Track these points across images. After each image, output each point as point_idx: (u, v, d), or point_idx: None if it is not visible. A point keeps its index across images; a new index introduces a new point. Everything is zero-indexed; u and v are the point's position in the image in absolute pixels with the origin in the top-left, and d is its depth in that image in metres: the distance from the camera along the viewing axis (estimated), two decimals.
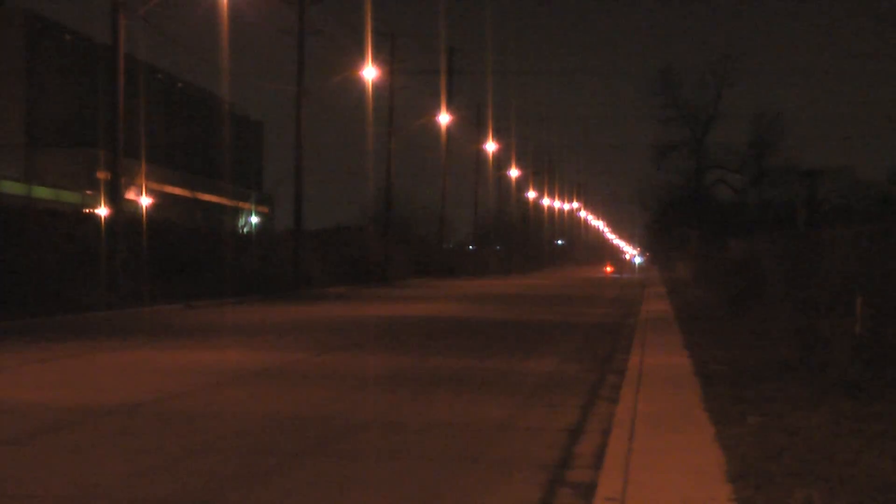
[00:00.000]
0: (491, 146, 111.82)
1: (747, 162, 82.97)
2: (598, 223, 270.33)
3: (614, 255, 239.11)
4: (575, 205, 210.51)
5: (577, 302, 49.71)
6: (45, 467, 11.40)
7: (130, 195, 61.21)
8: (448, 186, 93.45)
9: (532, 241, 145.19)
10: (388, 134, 77.17)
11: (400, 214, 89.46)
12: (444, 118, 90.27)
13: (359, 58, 64.54)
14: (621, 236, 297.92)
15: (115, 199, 40.93)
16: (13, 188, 64.22)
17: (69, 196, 69.18)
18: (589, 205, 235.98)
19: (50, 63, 75.72)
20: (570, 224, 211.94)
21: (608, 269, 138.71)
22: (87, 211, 51.41)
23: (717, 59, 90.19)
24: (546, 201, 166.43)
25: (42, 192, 66.61)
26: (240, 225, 79.16)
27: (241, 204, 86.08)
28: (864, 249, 27.64)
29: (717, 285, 43.92)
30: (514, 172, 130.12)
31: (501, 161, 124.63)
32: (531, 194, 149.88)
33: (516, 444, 13.09)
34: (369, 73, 65.14)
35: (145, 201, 60.57)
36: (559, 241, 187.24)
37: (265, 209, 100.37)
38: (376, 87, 68.73)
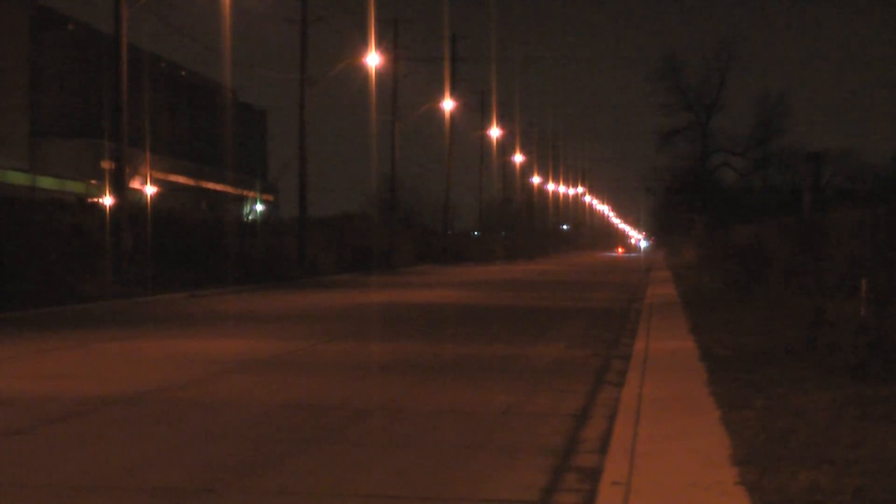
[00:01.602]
0: (495, 132, 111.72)
1: (751, 145, 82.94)
2: (604, 208, 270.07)
3: (621, 239, 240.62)
4: (580, 190, 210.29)
5: (582, 287, 49.71)
6: (51, 457, 11.42)
7: (135, 184, 61.23)
8: (453, 173, 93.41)
9: (537, 226, 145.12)
10: (391, 121, 77.13)
11: (405, 201, 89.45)
12: (447, 105, 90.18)
13: (362, 45, 64.49)
14: (626, 221, 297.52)
15: (120, 189, 40.94)
16: (18, 178, 64.20)
17: (74, 186, 69.17)
18: (594, 190, 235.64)
19: (54, 53, 75.70)
20: (576, 209, 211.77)
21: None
22: (92, 200, 51.41)
23: (721, 43, 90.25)
24: (551, 186, 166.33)
25: (47, 182, 66.58)
26: (244, 213, 79.12)
27: (245, 192, 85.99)
28: (869, 232, 27.63)
29: (723, 269, 43.91)
30: (518, 158, 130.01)
31: (506, 147, 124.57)
32: (536, 179, 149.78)
33: (522, 430, 13.10)
34: (373, 60, 65.06)
35: (150, 190, 60.54)
36: (564, 227, 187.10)
37: (270, 197, 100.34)
38: (380, 74, 68.72)
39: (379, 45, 66.14)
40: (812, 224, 35.47)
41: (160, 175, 75.26)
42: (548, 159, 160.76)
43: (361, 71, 65.13)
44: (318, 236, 62.27)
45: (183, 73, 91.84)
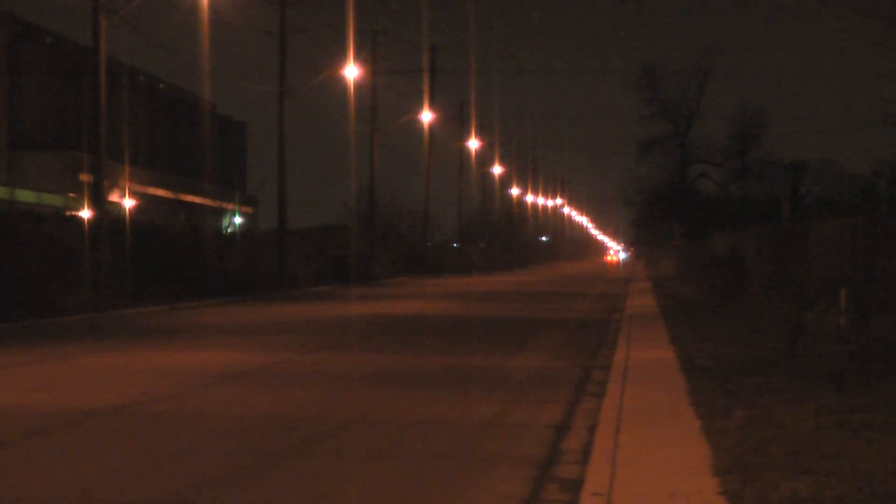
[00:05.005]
0: (474, 144, 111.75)
1: (730, 156, 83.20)
2: (582, 219, 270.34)
3: (602, 250, 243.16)
4: (559, 201, 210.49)
5: (561, 298, 49.73)
6: (33, 470, 11.37)
7: (114, 197, 61.04)
8: (432, 184, 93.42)
9: (516, 238, 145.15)
10: (370, 133, 77.11)
11: (384, 213, 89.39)
12: (426, 116, 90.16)
13: (342, 57, 64.44)
14: (605, 232, 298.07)
15: (98, 202, 40.81)
16: None
17: (52, 199, 68.94)
18: (573, 201, 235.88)
19: (32, 66, 75.52)
20: (555, 220, 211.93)
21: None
22: (70, 213, 51.24)
23: (700, 54, 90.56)
24: (530, 198, 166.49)
25: (25, 196, 66.34)
26: (224, 225, 78.96)
27: (224, 204, 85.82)
28: (848, 243, 27.72)
29: (702, 280, 43.99)
30: (497, 170, 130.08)
31: (486, 158, 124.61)
32: (515, 191, 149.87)
33: (503, 441, 13.09)
34: (352, 72, 65.00)
35: (128, 203, 60.40)
36: (543, 238, 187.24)
37: (249, 209, 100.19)
38: (359, 86, 68.69)
39: (358, 56, 66.09)
40: (791, 234, 35.57)
41: (139, 187, 75.09)
42: (527, 170, 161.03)
43: (341, 83, 65.10)
44: (298, 248, 62.18)
45: (161, 85, 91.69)
